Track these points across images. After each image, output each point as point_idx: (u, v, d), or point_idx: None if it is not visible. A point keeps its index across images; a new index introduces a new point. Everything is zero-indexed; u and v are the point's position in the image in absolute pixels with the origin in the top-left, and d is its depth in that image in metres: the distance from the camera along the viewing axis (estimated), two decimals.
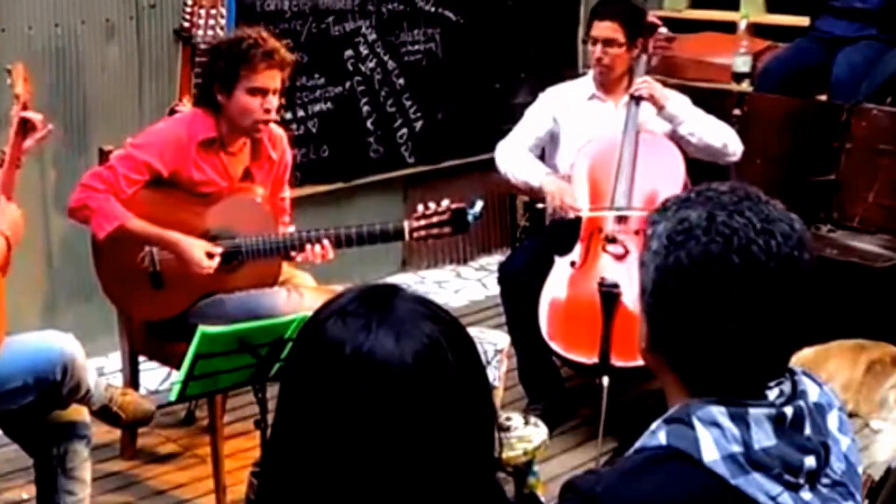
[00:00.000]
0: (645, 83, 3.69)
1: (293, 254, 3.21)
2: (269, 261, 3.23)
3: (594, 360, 3.33)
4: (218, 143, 3.21)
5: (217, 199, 3.22)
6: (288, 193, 3.46)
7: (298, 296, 3.18)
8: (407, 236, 3.21)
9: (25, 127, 2.83)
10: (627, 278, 3.38)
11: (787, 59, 4.84)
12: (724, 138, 3.72)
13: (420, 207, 3.22)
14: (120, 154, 3.20)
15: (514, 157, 3.84)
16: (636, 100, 3.70)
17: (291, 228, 3.38)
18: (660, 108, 3.68)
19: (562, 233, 3.68)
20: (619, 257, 3.51)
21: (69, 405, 2.78)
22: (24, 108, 2.82)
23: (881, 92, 4.46)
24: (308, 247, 3.18)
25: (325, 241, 3.18)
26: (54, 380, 2.67)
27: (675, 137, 3.72)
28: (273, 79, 3.13)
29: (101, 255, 3.26)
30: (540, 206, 3.98)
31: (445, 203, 3.22)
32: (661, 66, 4.58)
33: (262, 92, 3.12)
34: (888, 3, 4.55)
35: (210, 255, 3.13)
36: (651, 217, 1.34)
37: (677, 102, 3.73)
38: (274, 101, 3.15)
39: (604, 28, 3.71)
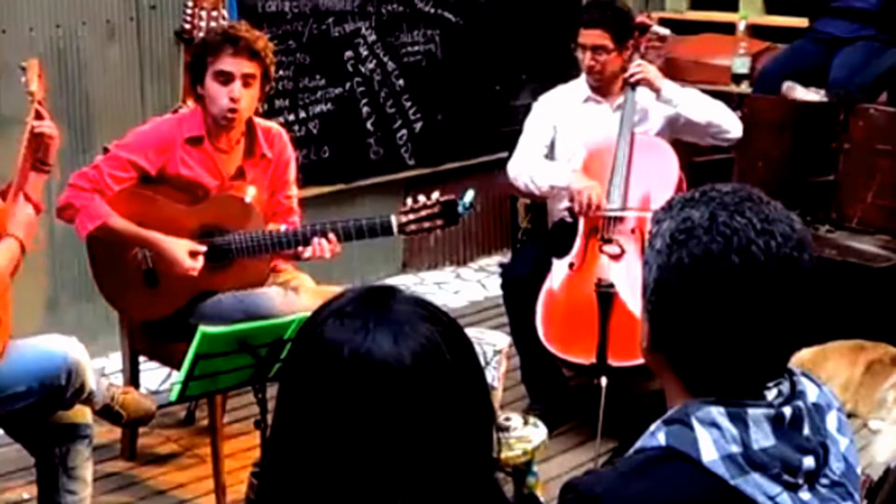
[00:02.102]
0: (640, 67, 3.69)
1: (299, 250, 3.18)
2: (260, 258, 3.22)
3: (592, 360, 3.35)
4: (205, 139, 3.20)
5: (206, 196, 3.22)
6: (295, 192, 3.43)
7: (296, 296, 3.17)
8: (396, 230, 3.17)
9: (37, 138, 2.76)
10: (624, 278, 3.40)
11: (786, 60, 4.84)
12: (722, 114, 3.73)
13: (409, 201, 3.19)
14: (106, 154, 3.21)
15: (531, 165, 3.76)
16: (632, 85, 3.70)
17: (284, 227, 3.36)
18: (656, 91, 3.69)
19: (563, 235, 3.69)
20: (616, 257, 3.52)
21: (72, 407, 2.79)
22: (38, 114, 2.77)
23: (875, 87, 4.46)
24: (309, 248, 3.17)
25: (315, 238, 3.15)
26: (59, 384, 2.68)
27: (678, 122, 3.74)
28: (239, 65, 3.11)
29: (95, 256, 3.26)
30: (564, 204, 3.77)
31: (435, 196, 3.19)
32: (663, 69, 4.58)
33: (228, 77, 3.11)
34: (887, 2, 4.55)
35: (194, 254, 3.12)
36: (656, 215, 1.34)
37: (671, 85, 3.75)
38: (240, 88, 3.11)
39: (591, 35, 3.69)
